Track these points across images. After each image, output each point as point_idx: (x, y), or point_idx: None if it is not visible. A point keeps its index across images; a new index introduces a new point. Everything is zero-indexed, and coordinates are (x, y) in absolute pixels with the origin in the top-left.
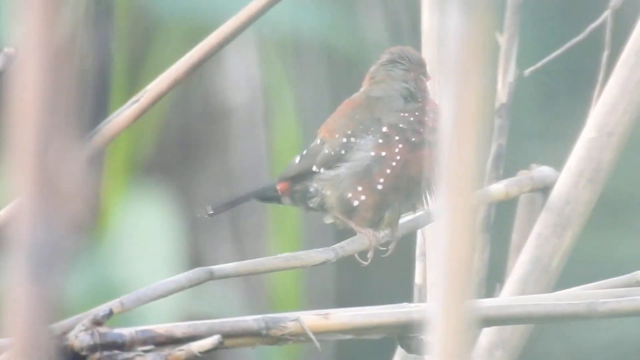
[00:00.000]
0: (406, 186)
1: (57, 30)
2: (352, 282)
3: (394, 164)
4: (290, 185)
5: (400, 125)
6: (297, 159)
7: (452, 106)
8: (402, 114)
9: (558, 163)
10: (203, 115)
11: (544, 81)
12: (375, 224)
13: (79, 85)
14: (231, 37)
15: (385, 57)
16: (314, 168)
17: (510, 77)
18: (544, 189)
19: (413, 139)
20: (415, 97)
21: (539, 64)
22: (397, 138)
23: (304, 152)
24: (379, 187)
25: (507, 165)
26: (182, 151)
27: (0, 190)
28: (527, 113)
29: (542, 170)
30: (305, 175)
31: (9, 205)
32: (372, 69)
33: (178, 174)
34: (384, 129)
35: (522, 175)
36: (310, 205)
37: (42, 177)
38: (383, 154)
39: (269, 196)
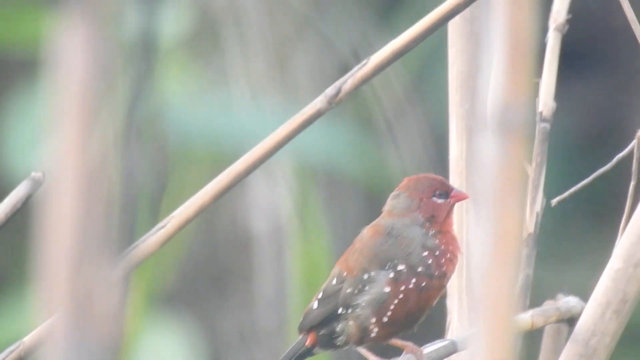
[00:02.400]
0: (408, 321)
1: (90, 153)
2: None
3: (396, 301)
4: (317, 333)
5: (419, 269)
6: (315, 305)
7: (489, 233)
8: (421, 254)
9: (584, 293)
10: (227, 243)
11: (571, 211)
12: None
13: (109, 209)
14: (258, 164)
15: (397, 188)
16: (340, 310)
17: (538, 206)
18: (570, 320)
19: (423, 284)
20: (427, 229)
21: (566, 194)
22: (411, 279)
23: (320, 295)
24: (385, 319)
25: (533, 294)
26: (206, 278)
27: (31, 311)
28: (554, 242)
29: (568, 301)
30: (330, 318)
31: (38, 328)
32: (388, 200)
33: (201, 302)
34: (400, 267)
35: (549, 305)
36: (338, 344)
37: (74, 300)
38: (388, 289)
39: (301, 354)
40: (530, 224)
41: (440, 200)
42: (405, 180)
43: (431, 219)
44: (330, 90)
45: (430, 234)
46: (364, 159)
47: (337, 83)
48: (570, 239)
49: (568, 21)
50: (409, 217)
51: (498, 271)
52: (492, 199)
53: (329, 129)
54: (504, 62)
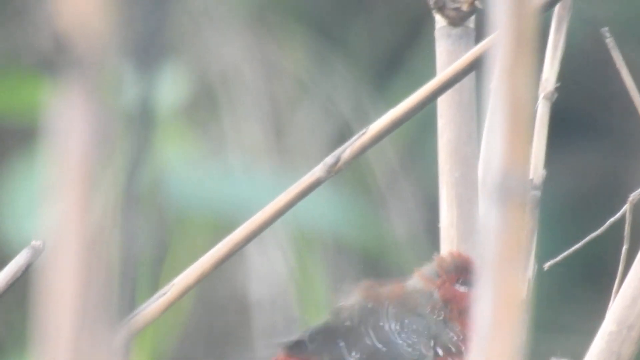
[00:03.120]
0: None
1: (89, 223)
2: None
3: None
4: None
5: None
6: None
7: (490, 300)
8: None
9: (578, 357)
10: (226, 309)
11: (563, 275)
12: None
13: (110, 276)
14: (258, 232)
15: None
16: None
17: (529, 272)
18: None
19: None
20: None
21: (558, 258)
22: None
23: None
24: None
25: (526, 358)
26: (206, 344)
27: None
28: (546, 307)
29: None
30: None
31: None
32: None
33: None
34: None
35: None
36: None
37: None
38: None
39: None
40: (522, 289)
41: (462, 288)
42: (446, 252)
43: (447, 305)
44: (329, 159)
45: (439, 320)
46: (360, 225)
47: (336, 152)
48: (563, 304)
49: (557, 89)
50: (429, 290)
51: (500, 338)
52: (492, 266)
53: (325, 195)
54: (503, 129)
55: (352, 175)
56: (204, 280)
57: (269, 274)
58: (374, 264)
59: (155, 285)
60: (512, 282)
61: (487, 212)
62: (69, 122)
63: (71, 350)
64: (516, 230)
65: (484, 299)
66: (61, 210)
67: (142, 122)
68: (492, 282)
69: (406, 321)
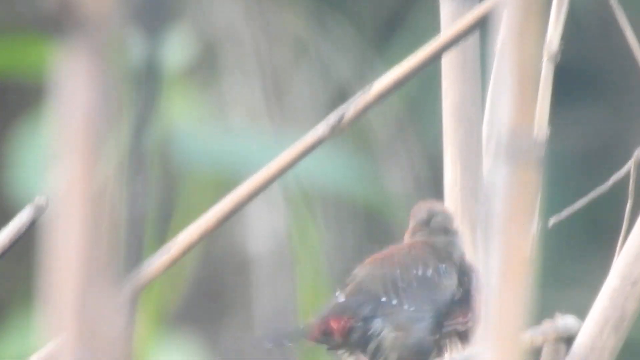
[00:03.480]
0: None
1: (95, 179)
2: None
3: None
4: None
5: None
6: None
7: (498, 259)
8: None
9: (582, 313)
10: (226, 265)
11: (567, 231)
12: None
13: (115, 233)
14: (261, 189)
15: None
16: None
17: (534, 229)
18: (568, 339)
19: None
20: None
21: (562, 215)
22: None
23: None
24: None
25: (531, 314)
26: (207, 300)
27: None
28: (551, 263)
29: (566, 320)
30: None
31: (44, 350)
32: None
33: (204, 323)
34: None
35: (547, 324)
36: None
37: (80, 323)
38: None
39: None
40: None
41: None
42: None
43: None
44: (332, 118)
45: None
46: (361, 182)
47: (339, 110)
48: (568, 260)
49: (561, 49)
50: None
51: (508, 295)
52: (499, 223)
53: (327, 152)
54: (509, 89)
55: (354, 134)
56: (206, 237)
57: (268, 231)
58: (376, 221)
59: (161, 243)
60: (519, 239)
61: (493, 171)
62: (75, 83)
63: (76, 306)
64: (522, 188)
65: (491, 255)
66: (66, 168)
67: (148, 82)
68: (499, 239)
69: (441, 266)
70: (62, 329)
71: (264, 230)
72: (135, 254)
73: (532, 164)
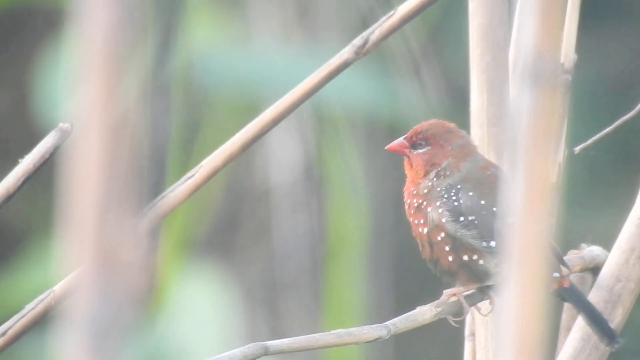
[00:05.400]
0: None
1: (117, 105)
2: None
3: None
4: None
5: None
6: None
7: (523, 181)
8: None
9: (608, 242)
10: (249, 193)
11: (593, 159)
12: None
13: (136, 160)
14: (286, 113)
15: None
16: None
17: (560, 156)
18: (594, 269)
19: None
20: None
21: (588, 142)
22: None
23: None
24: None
25: (557, 244)
26: (228, 229)
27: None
28: (577, 191)
29: (592, 250)
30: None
31: (67, 277)
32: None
33: (227, 250)
34: None
35: (572, 254)
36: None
37: (101, 250)
38: None
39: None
40: (552, 174)
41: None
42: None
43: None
44: (357, 41)
45: None
46: (388, 104)
47: (365, 33)
48: (594, 188)
49: None
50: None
51: (531, 219)
52: (524, 149)
53: (352, 74)
54: (535, 13)
55: (380, 54)
56: (231, 162)
57: (288, 158)
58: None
59: (185, 169)
60: (544, 165)
61: (519, 96)
62: (97, 5)
63: (97, 232)
64: (548, 113)
65: (516, 181)
66: (89, 92)
67: (171, 3)
68: (524, 165)
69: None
70: (82, 257)
71: (282, 160)
72: (158, 179)
73: (558, 89)
